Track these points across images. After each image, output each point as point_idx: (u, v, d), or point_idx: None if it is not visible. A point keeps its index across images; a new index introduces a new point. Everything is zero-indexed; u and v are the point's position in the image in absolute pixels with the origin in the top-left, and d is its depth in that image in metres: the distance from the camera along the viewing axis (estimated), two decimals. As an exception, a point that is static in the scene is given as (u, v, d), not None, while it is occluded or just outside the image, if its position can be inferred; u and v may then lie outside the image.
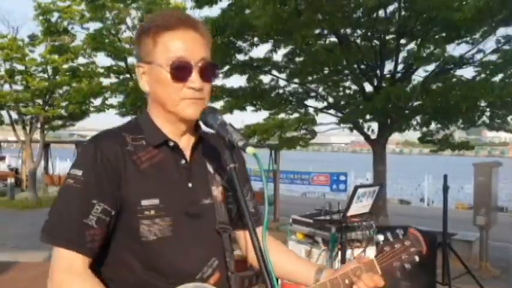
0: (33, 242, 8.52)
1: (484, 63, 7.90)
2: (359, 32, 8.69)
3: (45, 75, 15.03)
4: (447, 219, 5.10)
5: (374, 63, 8.83)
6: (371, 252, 4.36)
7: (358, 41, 8.82)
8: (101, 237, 1.17)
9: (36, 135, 15.87)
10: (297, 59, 9.30)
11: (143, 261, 1.20)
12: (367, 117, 8.81)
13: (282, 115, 10.00)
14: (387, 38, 8.65)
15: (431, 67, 8.59)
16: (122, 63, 13.52)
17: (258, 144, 9.59)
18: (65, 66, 14.54)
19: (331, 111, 9.79)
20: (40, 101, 14.98)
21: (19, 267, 6.56)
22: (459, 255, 5.14)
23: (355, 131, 9.77)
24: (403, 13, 7.98)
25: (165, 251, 1.21)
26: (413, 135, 10.24)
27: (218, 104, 9.99)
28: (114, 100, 14.19)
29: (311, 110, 9.87)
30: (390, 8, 8.16)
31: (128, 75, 13.54)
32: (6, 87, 15.13)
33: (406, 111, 8.46)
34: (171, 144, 1.27)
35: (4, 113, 15.87)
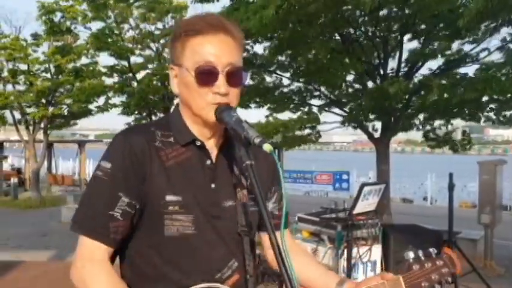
0: (36, 241, 8.63)
1: (488, 62, 7.87)
2: (362, 31, 8.68)
3: (48, 75, 15.06)
4: (453, 217, 5.09)
5: (377, 62, 8.82)
6: (377, 250, 4.36)
7: (361, 39, 8.80)
8: (124, 229, 1.22)
9: (40, 135, 15.92)
10: (301, 61, 9.29)
11: (164, 256, 1.23)
12: (371, 116, 8.80)
13: (286, 113, 10.00)
14: (390, 36, 8.63)
15: (435, 65, 8.58)
16: (125, 63, 13.52)
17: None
18: (68, 66, 14.55)
19: (335, 109, 9.78)
20: (43, 101, 15.00)
21: (21, 266, 6.57)
22: (465, 254, 5.13)
23: (358, 130, 9.78)
24: (406, 11, 7.96)
25: (187, 248, 1.23)
26: (415, 134, 10.22)
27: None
28: (117, 100, 14.21)
29: (315, 109, 9.87)
30: (392, 7, 8.14)
31: (130, 75, 13.55)
32: (9, 87, 15.17)
33: (408, 110, 8.46)
34: (198, 143, 1.29)
35: (7, 113, 15.89)
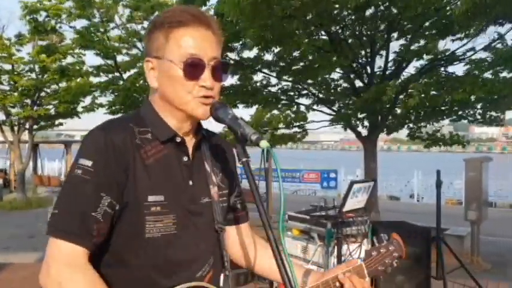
0: (23, 243, 8.53)
1: (475, 60, 7.96)
2: (348, 30, 8.73)
3: (33, 75, 14.86)
4: (440, 214, 5.14)
5: (364, 61, 8.88)
6: (366, 247, 4.39)
7: (348, 38, 8.85)
8: (105, 231, 1.15)
9: (25, 136, 15.71)
10: (288, 59, 9.31)
11: (144, 258, 1.18)
12: (359, 115, 8.86)
13: (274, 112, 10.01)
14: (377, 34, 8.69)
15: (421, 63, 8.66)
16: (111, 62, 13.40)
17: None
18: (53, 65, 14.37)
19: (323, 108, 9.83)
20: (28, 101, 14.80)
21: (10, 268, 6.49)
22: (453, 250, 5.19)
23: (342, 128, 9.85)
24: (392, 10, 8.03)
25: (169, 249, 1.20)
26: (401, 132, 10.30)
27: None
28: (103, 99, 14.07)
29: (302, 108, 9.90)
30: (379, 5, 8.19)
31: (117, 74, 13.44)
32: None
33: (398, 110, 8.54)
34: (179, 140, 1.25)
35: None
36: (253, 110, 10.38)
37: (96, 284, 1.12)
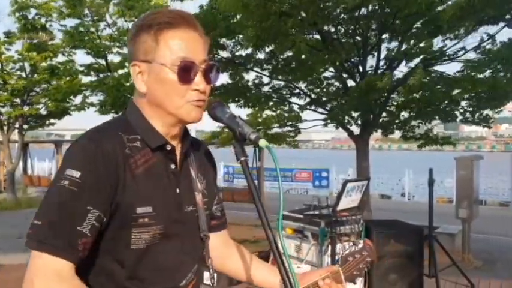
0: (13, 243, 8.42)
1: (468, 61, 8.01)
2: (341, 29, 8.74)
3: (23, 74, 14.72)
4: (433, 213, 5.18)
5: (356, 60, 8.90)
6: (360, 246, 4.40)
7: (341, 37, 8.87)
8: (91, 244, 1.11)
9: (14, 136, 15.56)
10: (280, 57, 9.30)
11: (128, 269, 1.16)
12: (352, 114, 8.88)
13: (266, 112, 9.99)
14: (369, 34, 8.71)
15: (413, 62, 8.69)
16: (102, 61, 13.31)
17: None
18: (44, 64, 14.24)
19: (315, 107, 9.82)
20: (18, 100, 14.66)
21: (2, 269, 6.42)
22: (445, 248, 5.23)
23: (335, 127, 9.87)
24: (385, 10, 8.05)
25: (153, 259, 1.18)
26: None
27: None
28: (94, 98, 13.97)
29: (295, 107, 9.90)
30: (371, 6, 8.22)
31: (108, 73, 13.35)
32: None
33: (391, 107, 8.57)
34: (169, 148, 1.22)
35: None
36: (244, 109, 10.36)
37: None
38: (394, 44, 8.93)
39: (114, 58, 13.58)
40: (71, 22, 13.18)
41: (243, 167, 1.14)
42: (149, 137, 1.20)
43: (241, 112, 10.50)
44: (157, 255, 1.18)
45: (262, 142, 1.10)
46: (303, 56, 8.38)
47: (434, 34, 7.86)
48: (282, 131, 9.78)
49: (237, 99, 9.90)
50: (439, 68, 8.68)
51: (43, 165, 24.09)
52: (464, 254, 7.06)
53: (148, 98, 1.21)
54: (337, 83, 9.73)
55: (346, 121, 9.16)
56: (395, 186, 21.42)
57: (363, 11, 8.16)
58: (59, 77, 14.19)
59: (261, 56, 9.24)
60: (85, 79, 14.38)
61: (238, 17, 7.84)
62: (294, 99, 10.07)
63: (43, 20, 13.67)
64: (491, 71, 7.58)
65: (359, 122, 9.12)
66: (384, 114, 9.06)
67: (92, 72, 13.82)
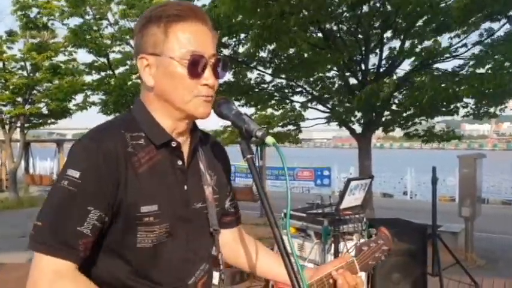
0: (15, 242, 8.43)
1: (471, 57, 7.98)
2: (344, 27, 8.72)
3: (24, 73, 14.72)
4: (436, 211, 5.16)
5: (359, 58, 8.87)
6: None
7: (343, 36, 8.85)
8: (92, 244, 1.11)
9: (16, 135, 15.55)
10: (282, 55, 9.29)
11: (135, 268, 1.15)
12: (356, 113, 8.86)
13: (269, 110, 9.99)
14: (371, 32, 8.69)
15: (415, 61, 8.66)
16: (104, 60, 13.29)
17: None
18: (45, 63, 14.24)
19: (318, 106, 9.81)
20: (20, 99, 14.66)
21: (3, 269, 6.42)
22: (448, 247, 5.21)
23: (338, 126, 9.85)
24: (387, 7, 8.03)
25: (160, 257, 1.17)
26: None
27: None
28: (96, 97, 13.96)
29: (297, 106, 9.89)
30: (373, 2, 8.19)
31: (110, 72, 13.34)
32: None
33: (393, 107, 8.55)
34: (174, 144, 1.19)
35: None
36: (245, 108, 10.36)
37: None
38: (396, 42, 8.91)
39: (115, 57, 13.55)
40: (73, 21, 13.19)
41: (249, 164, 1.12)
42: (154, 134, 1.18)
43: (244, 111, 10.49)
44: (164, 254, 1.16)
45: (269, 139, 1.08)
46: (305, 55, 8.37)
47: (438, 31, 7.83)
48: (285, 130, 9.78)
49: (239, 97, 9.90)
50: (439, 65, 8.66)
51: (45, 165, 24.14)
52: (467, 252, 7.04)
53: (155, 92, 1.18)
54: (339, 81, 9.72)
55: (348, 120, 9.14)
56: (397, 184, 21.41)
57: (365, 8, 8.14)
58: (61, 76, 14.18)
59: (263, 54, 9.23)
60: (86, 78, 14.39)
61: (240, 17, 7.81)
62: (296, 97, 10.06)
63: (45, 19, 13.66)
64: (492, 65, 7.54)
65: (361, 121, 9.10)
66: (387, 113, 9.04)
67: (93, 71, 13.81)
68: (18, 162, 15.51)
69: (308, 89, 9.92)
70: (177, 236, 1.18)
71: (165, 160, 1.19)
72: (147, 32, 1.16)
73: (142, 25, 1.18)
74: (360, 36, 8.66)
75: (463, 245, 7.22)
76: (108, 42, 12.98)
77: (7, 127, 15.19)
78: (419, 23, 8.11)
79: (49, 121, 16.24)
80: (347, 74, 9.21)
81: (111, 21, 12.96)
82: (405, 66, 8.98)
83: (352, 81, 9.17)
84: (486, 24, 7.79)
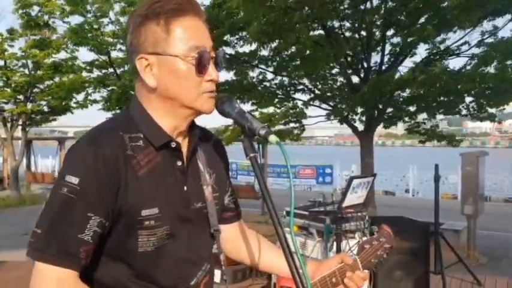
0: (17, 240, 8.43)
1: (474, 55, 7.95)
2: (346, 24, 8.70)
3: (26, 71, 14.72)
4: (439, 209, 5.14)
5: (361, 55, 8.85)
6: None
7: (346, 33, 8.83)
8: (93, 251, 1.09)
9: (17, 133, 15.57)
10: (284, 53, 9.27)
11: (137, 271, 1.13)
12: (358, 110, 8.84)
13: (270, 108, 9.98)
14: (374, 29, 8.66)
15: (417, 58, 8.66)
16: (105, 58, 13.30)
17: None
18: (47, 61, 14.23)
19: (319, 103, 9.79)
20: (21, 97, 14.67)
21: (4, 267, 6.42)
22: (451, 245, 5.20)
23: (339, 124, 9.83)
24: (389, 4, 8.00)
25: (162, 260, 1.15)
26: (395, 127, 10.34)
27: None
28: (97, 95, 13.98)
29: (299, 103, 9.87)
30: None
31: (111, 70, 13.35)
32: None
33: (397, 102, 8.52)
34: (174, 145, 1.17)
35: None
36: (248, 106, 10.34)
37: None
38: (398, 40, 8.87)
39: (117, 55, 13.55)
40: (74, 19, 13.20)
41: (252, 163, 1.11)
42: (152, 135, 1.15)
43: (246, 109, 10.47)
44: (165, 255, 1.15)
45: (273, 138, 1.07)
46: (308, 52, 8.34)
47: (441, 27, 7.79)
48: (287, 128, 9.77)
49: (241, 96, 9.88)
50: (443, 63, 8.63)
51: (46, 162, 24.17)
52: (469, 250, 7.02)
53: (159, 92, 1.15)
54: (341, 79, 9.69)
55: (350, 117, 9.12)
56: (399, 182, 21.40)
57: (368, 5, 8.12)
58: (62, 74, 14.18)
59: (265, 52, 9.21)
60: (88, 76, 14.37)
61: (241, 14, 7.79)
62: (298, 95, 10.05)
63: (46, 17, 13.66)
64: (497, 64, 7.51)
65: (363, 118, 9.08)
66: (389, 109, 9.02)
67: (94, 69, 13.82)
68: (20, 160, 15.52)
69: (310, 86, 9.89)
70: (178, 237, 1.17)
71: (165, 161, 1.16)
72: (145, 30, 1.12)
73: (138, 23, 1.13)
74: (362, 33, 8.64)
75: (465, 243, 7.21)
76: (110, 40, 12.97)
77: (9, 125, 15.20)
78: (422, 20, 8.07)
79: (50, 118, 16.25)
80: (349, 71, 9.18)
81: (112, 19, 12.97)
82: (408, 63, 8.96)
83: (355, 79, 9.15)
84: (489, 22, 7.76)
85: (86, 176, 1.05)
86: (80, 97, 14.65)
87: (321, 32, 8.72)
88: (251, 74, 10.00)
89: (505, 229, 9.38)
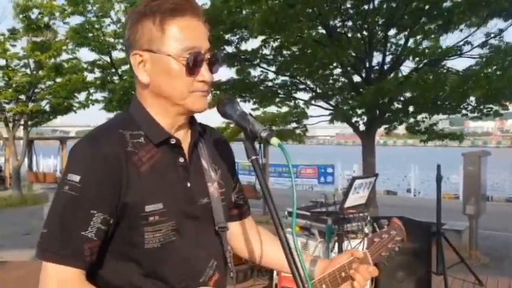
0: (19, 240, 8.44)
1: (480, 56, 7.93)
2: (348, 24, 8.69)
3: (27, 71, 14.74)
4: (441, 209, 5.13)
5: (363, 55, 8.84)
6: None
7: (348, 33, 8.82)
8: (98, 248, 1.09)
9: (19, 133, 15.58)
10: (286, 52, 9.26)
11: (144, 268, 1.13)
12: (358, 111, 8.84)
13: (272, 108, 9.99)
14: (376, 29, 8.65)
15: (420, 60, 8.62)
16: (106, 58, 13.30)
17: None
18: (48, 62, 14.23)
19: (321, 103, 9.79)
20: (23, 97, 14.68)
21: (5, 267, 6.42)
22: (453, 245, 5.18)
23: (341, 123, 9.83)
24: (391, 4, 7.99)
25: (169, 257, 1.15)
26: (397, 127, 10.34)
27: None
28: (98, 95, 13.98)
29: (301, 103, 9.87)
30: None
31: (113, 70, 13.35)
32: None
33: (397, 105, 8.51)
34: (173, 141, 1.18)
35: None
36: (250, 105, 10.34)
37: None
38: (401, 40, 8.86)
39: (118, 54, 13.56)
40: (74, 20, 13.19)
41: (253, 165, 1.10)
42: (152, 132, 1.16)
43: (247, 108, 10.48)
44: (172, 252, 1.15)
45: (274, 140, 1.06)
46: (309, 51, 8.33)
47: (443, 29, 7.78)
48: (288, 127, 9.76)
49: (243, 94, 9.89)
50: (448, 64, 8.63)
51: (48, 162, 24.20)
52: (471, 250, 7.00)
53: (151, 89, 1.17)
54: (343, 79, 9.69)
55: (352, 117, 9.11)
56: (401, 182, 21.37)
57: (370, 5, 8.11)
58: (64, 75, 14.19)
59: (267, 51, 9.20)
60: (89, 76, 14.40)
61: (244, 12, 7.78)
62: (299, 95, 10.06)
63: (46, 19, 13.65)
64: (499, 66, 7.49)
65: (365, 118, 9.08)
66: (388, 114, 9.02)
67: (96, 69, 13.82)
68: (21, 159, 15.54)
69: (312, 86, 9.89)
70: (185, 234, 1.17)
71: (166, 158, 1.17)
72: (142, 27, 1.13)
73: (135, 20, 1.15)
74: (364, 33, 8.62)
75: (467, 243, 7.19)
76: (111, 40, 12.97)
77: (10, 125, 15.21)
78: (424, 19, 8.06)
79: (51, 117, 16.26)
80: (351, 71, 9.17)
81: (114, 19, 12.97)
82: (409, 63, 8.94)
83: (356, 79, 9.14)
84: (493, 22, 7.74)
85: (87, 173, 1.06)
86: (82, 97, 14.69)
87: (323, 31, 8.71)
88: (253, 73, 10.00)
89: (507, 229, 9.36)
